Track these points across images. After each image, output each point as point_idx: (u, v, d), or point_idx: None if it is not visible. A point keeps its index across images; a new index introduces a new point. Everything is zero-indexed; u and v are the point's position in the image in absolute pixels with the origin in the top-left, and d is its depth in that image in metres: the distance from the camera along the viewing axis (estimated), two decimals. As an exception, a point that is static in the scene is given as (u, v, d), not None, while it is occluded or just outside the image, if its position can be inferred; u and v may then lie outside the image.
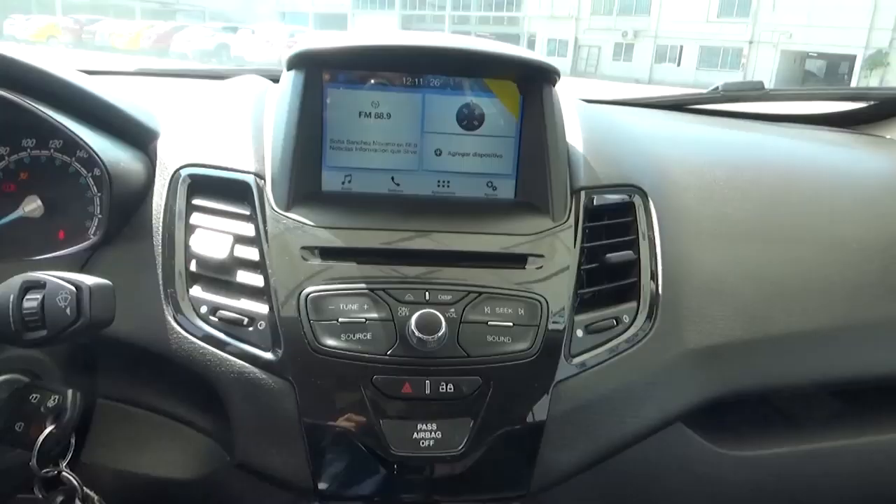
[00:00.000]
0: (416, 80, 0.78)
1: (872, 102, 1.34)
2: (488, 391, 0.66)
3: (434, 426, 0.65)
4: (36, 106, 0.71)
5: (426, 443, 0.65)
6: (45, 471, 0.62)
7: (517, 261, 0.72)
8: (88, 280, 0.55)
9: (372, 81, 0.78)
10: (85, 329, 0.54)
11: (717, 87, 1.30)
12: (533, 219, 0.76)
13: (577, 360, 0.70)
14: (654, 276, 0.76)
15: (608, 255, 0.75)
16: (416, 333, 0.64)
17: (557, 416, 0.68)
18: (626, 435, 0.70)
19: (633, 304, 0.74)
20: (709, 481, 0.75)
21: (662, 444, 0.74)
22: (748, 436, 0.78)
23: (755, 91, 1.29)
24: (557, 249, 0.74)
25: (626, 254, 0.76)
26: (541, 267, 0.72)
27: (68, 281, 0.54)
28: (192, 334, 0.68)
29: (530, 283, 0.71)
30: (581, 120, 0.85)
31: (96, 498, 0.63)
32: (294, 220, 0.72)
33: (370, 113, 0.78)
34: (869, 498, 0.80)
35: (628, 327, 0.73)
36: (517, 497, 0.68)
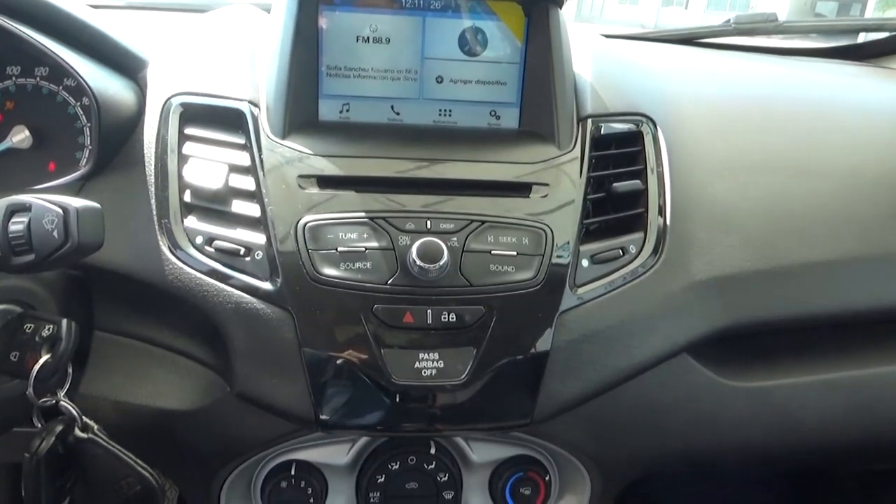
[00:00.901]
0: (417, 1, 0.74)
1: (888, 34, 1.29)
2: (491, 321, 0.65)
3: (436, 356, 0.64)
4: (20, 29, 0.68)
5: (428, 372, 0.64)
6: (42, 400, 0.61)
7: (521, 189, 0.70)
8: (75, 202, 0.53)
9: (370, 3, 0.74)
10: (73, 252, 0.52)
11: (730, 20, 1.26)
12: (538, 147, 0.74)
13: (582, 290, 0.68)
14: (661, 207, 0.74)
15: (615, 185, 0.73)
16: (418, 262, 0.62)
17: (561, 346, 0.67)
18: (630, 365, 0.69)
19: (640, 235, 0.73)
20: (713, 412, 0.74)
21: (667, 375, 0.73)
22: (753, 367, 0.77)
23: (769, 23, 1.24)
24: (563, 178, 0.71)
25: (634, 183, 0.74)
26: (546, 196, 0.70)
27: (54, 203, 0.52)
28: (187, 265, 0.66)
29: (535, 212, 0.69)
30: (589, 49, 0.82)
31: (95, 427, 0.63)
32: (290, 148, 0.70)
33: (368, 38, 0.75)
34: (874, 428, 0.80)
35: (635, 258, 0.71)
36: (520, 426, 0.68)
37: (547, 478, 0.77)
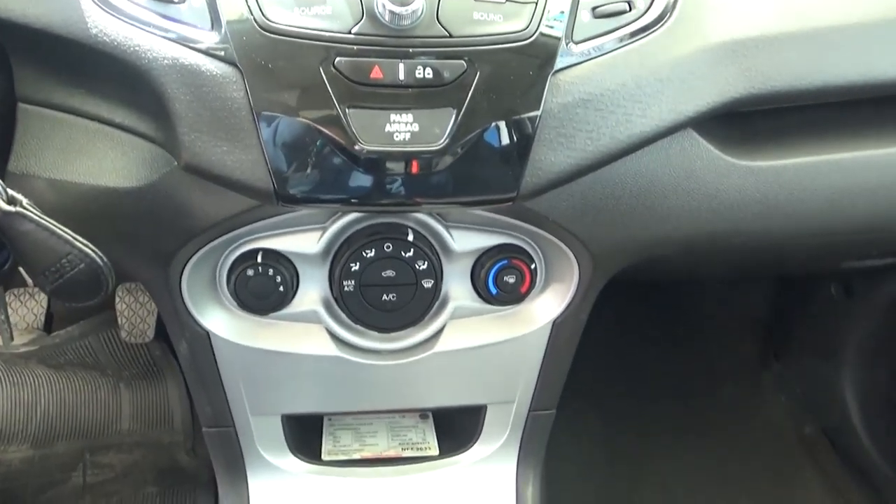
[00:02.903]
0: None
1: None
2: (474, 78, 0.56)
3: (410, 118, 0.55)
4: None
5: (401, 136, 0.56)
6: (-43, 169, 0.53)
7: None
8: None
9: None
10: None
11: None
12: None
13: (580, 47, 0.59)
14: None
15: None
16: (387, 6, 0.52)
17: (554, 110, 0.58)
18: (630, 136, 0.61)
19: None
20: (716, 193, 0.68)
21: (669, 151, 0.66)
22: (761, 145, 0.70)
23: None
24: None
25: None
26: None
27: None
28: (112, 14, 0.56)
29: None
30: None
31: (24, 201, 0.55)
32: None
33: None
34: (881, 213, 0.74)
35: (643, 14, 0.61)
36: (505, 200, 0.61)
37: (532, 266, 0.72)
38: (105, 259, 0.57)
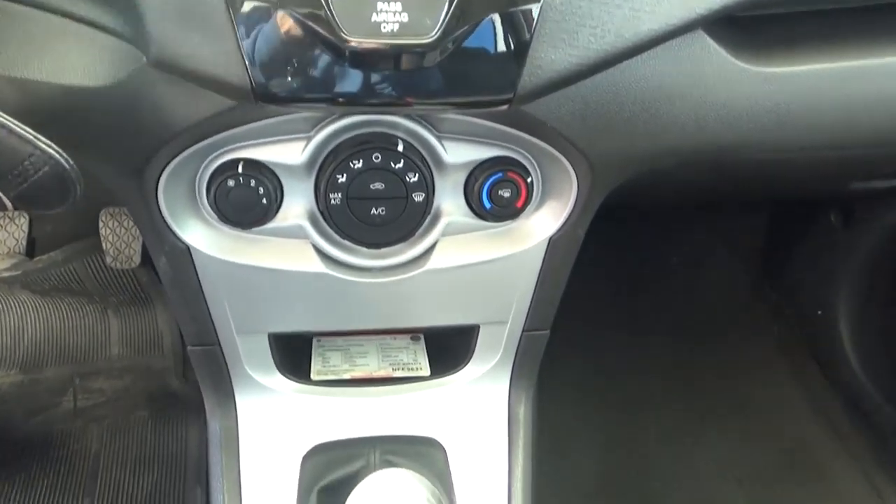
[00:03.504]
0: None
1: None
2: None
3: (398, 6, 0.51)
4: None
5: (389, 28, 0.51)
6: None
7: None
8: None
9: None
10: None
11: None
12: None
13: None
14: None
15: None
16: None
17: (556, 3, 0.53)
18: (637, 34, 0.56)
19: None
20: (727, 101, 0.64)
21: (678, 54, 0.61)
22: (775, 51, 0.65)
23: None
24: None
25: None
26: None
27: None
28: None
29: None
30: None
31: (-18, 100, 0.51)
32: None
33: None
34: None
35: None
36: (501, 101, 0.57)
37: (529, 179, 0.69)
38: (71, 162, 0.53)
